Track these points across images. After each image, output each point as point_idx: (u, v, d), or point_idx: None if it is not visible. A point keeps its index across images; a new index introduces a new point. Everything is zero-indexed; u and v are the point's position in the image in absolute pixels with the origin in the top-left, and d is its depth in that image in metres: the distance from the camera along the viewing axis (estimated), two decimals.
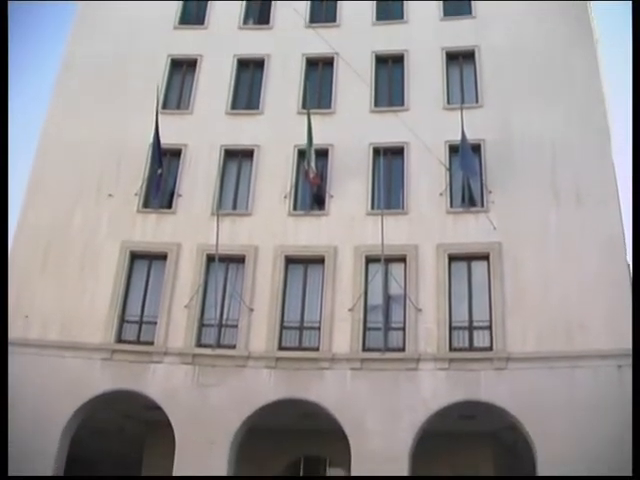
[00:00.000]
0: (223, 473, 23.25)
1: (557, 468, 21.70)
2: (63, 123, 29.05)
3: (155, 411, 24.51)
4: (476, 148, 26.45)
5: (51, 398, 24.08)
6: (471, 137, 25.75)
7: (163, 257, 26.28)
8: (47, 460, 23.58)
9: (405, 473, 22.70)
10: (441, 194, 26.03)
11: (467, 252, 25.11)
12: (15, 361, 24.64)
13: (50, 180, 27.94)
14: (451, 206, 25.98)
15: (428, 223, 25.65)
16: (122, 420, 28.09)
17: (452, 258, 25.12)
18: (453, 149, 26.56)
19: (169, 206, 27.30)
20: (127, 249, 26.48)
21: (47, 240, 26.82)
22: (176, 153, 28.15)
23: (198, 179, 27.48)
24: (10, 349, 24.70)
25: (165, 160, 27.43)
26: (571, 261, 24.18)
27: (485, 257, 24.97)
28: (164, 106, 29.10)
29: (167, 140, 27.10)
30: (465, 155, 25.36)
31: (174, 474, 23.21)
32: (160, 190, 27.21)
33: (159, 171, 26.99)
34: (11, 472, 22.57)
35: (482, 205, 25.84)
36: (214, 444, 23.31)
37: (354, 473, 22.91)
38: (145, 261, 26.64)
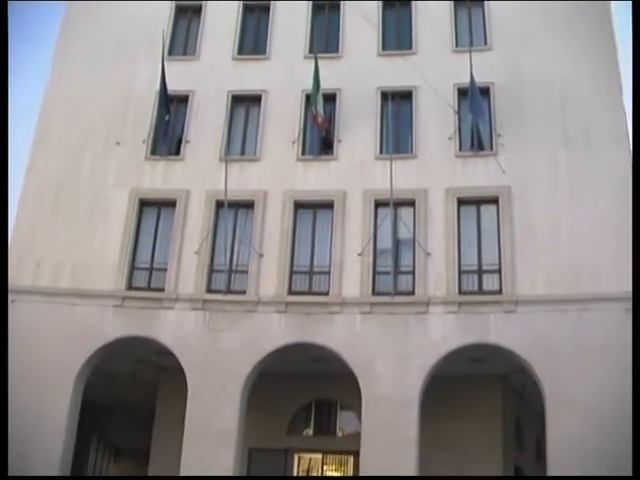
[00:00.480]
0: (235, 418, 23.51)
1: (566, 410, 21.90)
2: (68, 72, 28.86)
3: (167, 356, 24.76)
4: (485, 91, 26.24)
5: (63, 346, 24.30)
6: (480, 80, 25.47)
7: (172, 204, 26.29)
8: (62, 407, 23.89)
9: (415, 416, 22.93)
10: (450, 138, 25.90)
11: (476, 196, 25.04)
12: (26, 310, 24.96)
13: (57, 129, 27.87)
14: (460, 150, 25.85)
15: (437, 167, 25.56)
16: (134, 366, 28.34)
17: (461, 202, 25.07)
18: (462, 92, 26.34)
19: (177, 153, 27.24)
20: (136, 196, 26.49)
21: (56, 189, 26.84)
22: (183, 99, 27.99)
23: (206, 125, 27.36)
24: (20, 297, 25.11)
25: (172, 107, 27.26)
26: (580, 204, 24.12)
27: (494, 201, 24.90)
28: (170, 52, 28.88)
29: (174, 87, 26.96)
30: (474, 98, 25.13)
31: (187, 418, 23.47)
32: (168, 137, 27.16)
33: (166, 118, 26.89)
34: (27, 425, 22.99)
35: (491, 148, 25.70)
36: (226, 388, 23.56)
37: (365, 416, 23.15)
38: (154, 208, 26.67)
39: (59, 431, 23.72)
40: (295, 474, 28.68)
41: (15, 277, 25.42)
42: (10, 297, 24.92)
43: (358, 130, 26.46)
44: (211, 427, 23.18)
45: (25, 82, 64.09)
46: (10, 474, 22.39)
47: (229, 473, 23.01)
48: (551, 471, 22.01)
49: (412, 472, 22.43)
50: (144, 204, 26.63)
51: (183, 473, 22.97)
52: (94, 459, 37.86)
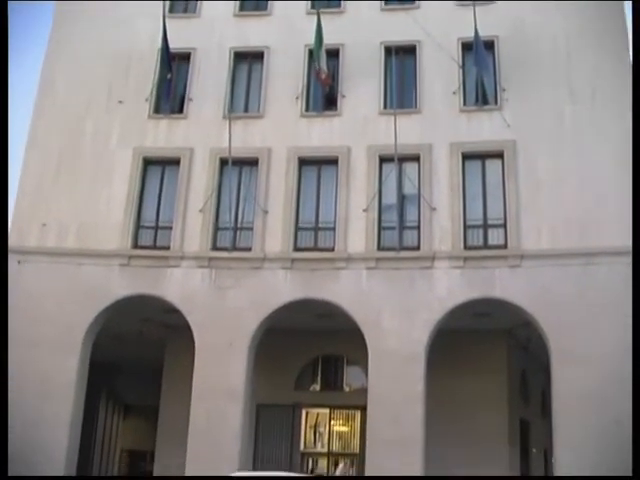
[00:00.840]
0: (242, 374, 23.70)
1: (571, 363, 22.04)
2: (69, 32, 28.59)
3: (174, 314, 24.88)
4: (489, 45, 25.94)
5: (70, 306, 24.45)
6: (484, 34, 25.16)
7: (176, 162, 26.22)
8: (70, 366, 24.11)
9: (421, 371, 23.09)
10: (454, 92, 25.71)
11: (481, 150, 24.93)
12: (32, 270, 25.08)
13: (59, 90, 27.70)
14: (464, 104, 25.70)
15: (441, 122, 25.41)
16: (142, 324, 28.50)
17: (466, 157, 24.97)
18: (466, 47, 26.08)
19: (180, 111, 27.10)
20: (140, 155, 26.41)
21: (59, 150, 26.77)
22: (185, 57, 27.78)
23: (208, 83, 27.18)
24: (26, 258, 25.21)
25: (174, 65, 27.05)
26: (586, 159, 24.01)
27: (499, 155, 24.80)
28: (171, 10, 28.59)
29: (175, 45, 26.66)
30: (478, 52, 24.90)
31: (194, 375, 23.66)
32: (170, 95, 26.99)
33: (169, 76, 26.71)
34: (37, 385, 23.23)
35: (496, 103, 25.51)
36: (233, 345, 23.72)
37: (371, 371, 23.31)
38: (158, 167, 26.61)
39: (69, 390, 23.97)
40: (303, 429, 28.99)
41: (21, 238, 25.56)
42: (16, 258, 25.09)
43: (362, 86, 26.28)
44: (219, 384, 23.37)
45: (25, 46, 63.71)
46: (22, 439, 22.75)
47: (237, 429, 23.24)
48: (556, 424, 22.22)
49: (418, 426, 22.64)
50: (148, 163, 26.56)
51: (191, 429, 23.23)
52: (104, 417, 38.25)
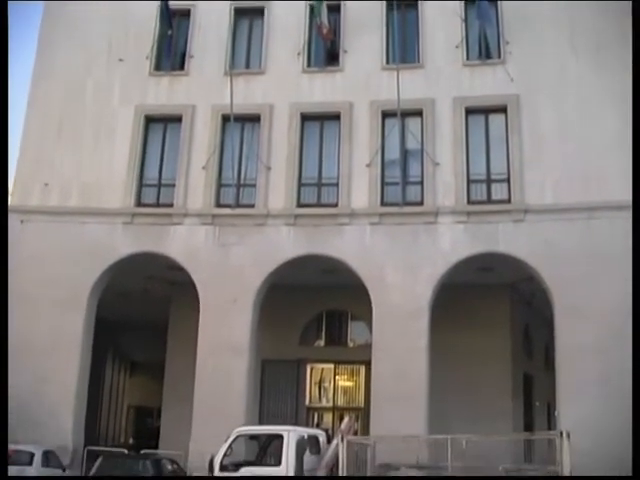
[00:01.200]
0: (247, 330, 23.89)
1: (574, 317, 22.15)
2: None
3: (178, 272, 24.99)
4: None
5: (75, 264, 24.55)
6: None
7: (178, 119, 26.13)
8: (76, 324, 24.32)
9: (425, 326, 23.25)
10: (457, 46, 25.49)
11: (484, 105, 24.82)
12: (36, 230, 25.15)
13: (58, 51, 27.42)
14: (467, 58, 25.51)
15: (444, 76, 25.24)
16: (146, 282, 28.64)
17: (469, 111, 24.85)
18: (469, 0, 25.81)
19: (181, 68, 26.93)
20: (141, 113, 26.31)
21: (60, 109, 26.65)
22: (185, 13, 27.53)
23: (209, 39, 26.96)
24: (30, 218, 25.24)
25: (174, 21, 26.91)
26: (589, 113, 23.87)
27: (502, 109, 24.68)
28: None
29: (175, 0, 26.46)
30: (481, 5, 24.67)
31: (199, 332, 23.81)
32: (171, 52, 26.87)
33: (169, 33, 26.57)
34: (44, 343, 23.40)
35: (499, 57, 25.32)
36: (237, 301, 23.84)
37: (375, 326, 23.46)
38: (160, 124, 26.53)
39: (75, 347, 24.18)
40: (308, 384, 29.28)
41: (23, 198, 25.59)
42: (19, 217, 25.13)
43: (364, 40, 26.06)
44: (224, 340, 23.55)
45: (24, 6, 63.01)
46: (30, 394, 22.98)
47: (243, 384, 23.47)
48: (560, 377, 22.38)
49: (422, 381, 22.82)
50: (150, 120, 26.47)
51: (197, 385, 23.44)
52: (110, 374, 38.60)
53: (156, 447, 26.54)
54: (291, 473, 13.52)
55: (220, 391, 23.14)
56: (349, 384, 29.66)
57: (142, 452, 24.23)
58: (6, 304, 20.39)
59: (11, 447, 19.38)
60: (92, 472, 18.91)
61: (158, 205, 25.53)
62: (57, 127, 26.44)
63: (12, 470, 18.46)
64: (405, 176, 24.45)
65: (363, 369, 28.12)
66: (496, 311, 27.40)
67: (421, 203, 24.17)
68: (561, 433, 13.13)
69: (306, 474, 13.70)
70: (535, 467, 15.77)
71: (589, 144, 23.54)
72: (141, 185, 25.86)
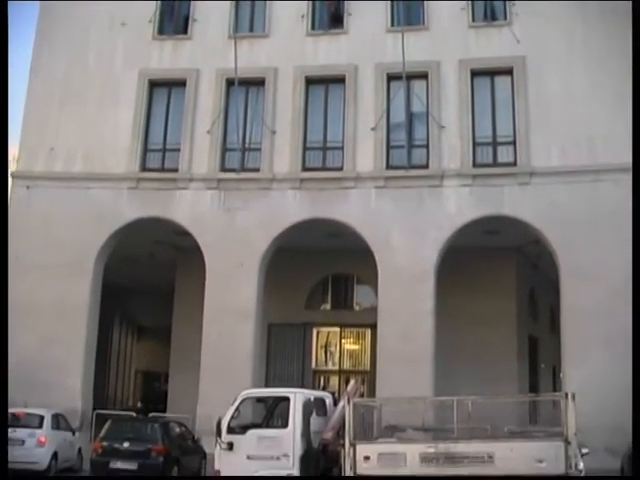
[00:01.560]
0: (253, 294, 24.00)
1: (580, 279, 22.22)
2: None
3: (184, 236, 25.06)
4: None
5: (81, 230, 24.62)
6: None
7: (182, 84, 25.98)
8: (83, 289, 24.48)
9: (431, 289, 23.31)
10: (463, 8, 25.23)
11: (490, 67, 24.64)
12: (42, 195, 25.18)
13: (61, 16, 27.19)
14: (473, 20, 25.26)
15: (450, 38, 25.01)
16: (152, 247, 28.72)
17: (475, 74, 24.67)
18: None
19: (185, 32, 26.72)
20: (145, 77, 26.18)
21: (63, 75, 26.51)
22: None
23: (212, 2, 26.58)
24: (35, 183, 25.26)
25: None
26: (596, 76, 23.66)
27: (508, 72, 24.50)
28: None
29: None
30: None
31: (206, 296, 23.93)
32: (174, 16, 26.68)
33: None
34: (51, 309, 23.52)
35: (505, 18, 25.07)
36: (243, 266, 23.89)
37: (381, 289, 23.54)
38: (164, 89, 26.42)
39: (82, 311, 24.35)
40: (314, 347, 29.45)
41: (28, 164, 25.57)
42: (25, 183, 25.16)
43: (368, 3, 25.76)
44: (230, 304, 23.66)
45: None
46: (39, 358, 23.17)
47: (250, 348, 23.64)
48: (565, 339, 22.47)
49: (429, 344, 22.95)
50: (154, 85, 26.35)
51: (204, 349, 23.60)
52: (118, 338, 38.85)
53: (164, 411, 26.80)
54: (298, 435, 13.63)
55: (226, 355, 23.31)
56: (355, 347, 29.83)
57: (150, 415, 24.45)
58: (6, 271, 20.48)
59: (21, 410, 19.64)
60: (101, 435, 19.09)
61: (163, 170, 25.52)
62: (61, 93, 26.33)
63: (23, 433, 18.73)
64: (410, 139, 24.36)
65: (369, 332, 28.27)
66: (502, 274, 27.44)
67: (426, 166, 24.11)
68: (566, 394, 13.19)
69: (312, 436, 13.82)
70: (540, 428, 15.85)
71: (595, 106, 23.38)
72: (146, 150, 25.83)
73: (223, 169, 25.07)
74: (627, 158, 21.87)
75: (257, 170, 24.84)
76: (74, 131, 25.80)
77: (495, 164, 24.01)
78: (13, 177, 25.12)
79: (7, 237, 21.04)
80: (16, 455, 17.88)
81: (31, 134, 25.90)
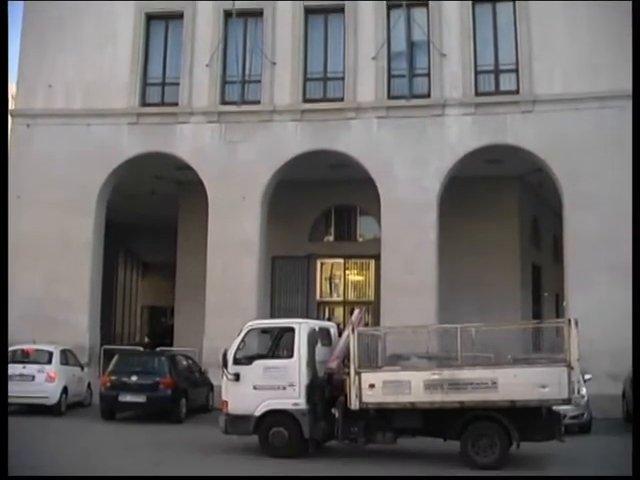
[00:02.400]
0: (255, 227, 24.09)
1: (583, 208, 22.22)
2: None
3: (186, 171, 24.99)
4: None
5: (81, 166, 24.57)
6: None
7: (179, 16, 25.56)
8: (86, 227, 24.61)
9: (433, 219, 23.33)
10: None
11: None
12: (42, 133, 25.06)
13: None
14: None
15: None
16: (154, 183, 28.66)
17: (476, 0, 24.17)
18: None
19: None
20: (141, 10, 25.73)
21: (59, 10, 25.89)
22: None
23: None
24: (35, 121, 25.11)
25: None
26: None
27: None
28: None
29: None
30: None
31: (209, 230, 24.00)
32: None
33: None
34: (54, 248, 23.59)
35: None
36: (246, 199, 23.88)
37: (384, 220, 23.57)
38: (161, 22, 26.05)
39: (86, 248, 24.48)
40: (318, 279, 29.63)
41: (27, 101, 25.37)
42: (25, 121, 25.01)
43: None
44: (233, 237, 23.74)
45: None
46: (44, 295, 23.35)
47: (254, 280, 23.80)
48: (568, 267, 22.56)
49: (432, 274, 23.07)
50: (151, 18, 25.94)
51: (209, 283, 23.76)
52: (123, 275, 39.05)
53: (171, 345, 27.07)
54: (303, 365, 13.74)
55: (231, 288, 23.47)
56: (359, 278, 29.98)
57: (157, 349, 24.72)
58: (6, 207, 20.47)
59: (30, 347, 19.88)
60: (109, 369, 19.34)
61: (163, 104, 25.32)
62: (57, 28, 25.90)
63: (32, 369, 19.04)
64: (412, 68, 24.03)
65: (373, 263, 28.39)
66: (505, 203, 27.42)
67: (428, 95, 23.87)
68: (569, 321, 13.23)
69: (318, 366, 13.94)
70: (543, 355, 15.99)
71: (600, 31, 22.97)
72: (145, 84, 25.58)
73: (223, 102, 24.86)
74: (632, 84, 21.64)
75: (257, 102, 24.62)
76: (72, 67, 25.52)
77: (497, 92, 23.76)
78: (12, 115, 24.93)
79: (7, 175, 20.98)
80: (27, 390, 18.28)
81: (29, 71, 25.63)
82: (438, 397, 12.99)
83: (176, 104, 24.98)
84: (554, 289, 29.64)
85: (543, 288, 30.70)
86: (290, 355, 14.21)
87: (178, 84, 25.13)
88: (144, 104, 25.31)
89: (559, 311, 28.32)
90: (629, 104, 21.45)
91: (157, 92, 25.56)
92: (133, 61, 25.43)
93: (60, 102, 25.37)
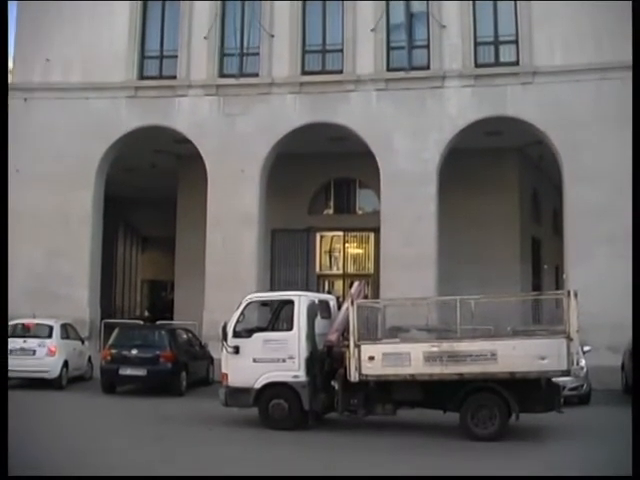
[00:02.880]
0: (255, 200, 24.09)
1: (583, 181, 22.17)
2: None
3: (185, 145, 24.94)
4: None
5: (80, 140, 24.52)
6: None
7: None
8: (85, 201, 24.62)
9: (433, 191, 23.32)
10: None
11: None
12: (39, 106, 24.97)
13: None
14: None
15: None
16: (153, 157, 28.61)
17: None
18: None
19: None
20: None
21: None
22: None
23: None
24: (32, 95, 25.00)
25: None
26: None
27: None
28: None
29: None
30: None
31: (208, 204, 24.01)
32: None
33: None
34: (53, 222, 23.56)
35: None
36: (244, 172, 23.83)
37: (383, 193, 23.54)
38: None
39: (85, 223, 24.53)
40: (318, 252, 29.67)
41: (25, 75, 25.22)
42: (22, 95, 24.84)
43: None
44: (233, 210, 23.75)
45: None
46: (44, 270, 23.36)
47: (253, 253, 23.85)
48: (568, 240, 22.56)
49: (431, 246, 23.10)
50: None
51: (209, 256, 23.82)
52: (122, 249, 39.06)
53: (171, 319, 27.09)
54: (303, 337, 13.75)
55: (231, 261, 23.51)
56: (359, 251, 29.99)
57: (157, 323, 24.77)
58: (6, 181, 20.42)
59: (31, 321, 19.91)
60: (109, 342, 19.37)
61: (161, 77, 25.23)
62: (54, 1, 25.52)
63: (33, 343, 19.04)
64: (411, 40, 23.87)
65: (372, 236, 28.36)
66: (504, 176, 27.35)
67: (427, 67, 23.75)
68: (568, 292, 13.23)
69: (317, 338, 13.96)
70: (543, 327, 15.99)
71: (600, 2, 22.54)
72: (143, 57, 25.47)
73: (222, 75, 24.75)
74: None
75: (256, 75, 24.48)
76: (69, 41, 25.36)
77: (497, 64, 23.62)
78: (9, 89, 24.73)
79: (7, 150, 20.91)
80: (28, 364, 18.32)
81: (26, 45, 25.47)
82: (437, 369, 13.00)
83: (174, 77, 24.87)
84: (554, 262, 29.65)
85: (543, 261, 30.71)
86: (290, 328, 14.22)
87: (176, 57, 25.00)
88: (142, 77, 25.22)
89: (559, 284, 28.36)
90: (629, 76, 21.39)
91: (155, 65, 25.44)
92: (131, 34, 25.26)
93: (58, 76, 25.23)
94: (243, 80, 24.37)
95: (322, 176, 28.78)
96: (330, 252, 30.09)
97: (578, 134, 22.40)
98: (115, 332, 19.81)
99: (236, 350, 14.14)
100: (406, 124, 23.36)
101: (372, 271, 28.25)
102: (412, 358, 13.12)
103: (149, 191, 33.29)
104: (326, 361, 13.86)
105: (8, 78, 21.30)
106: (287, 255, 28.87)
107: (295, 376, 13.79)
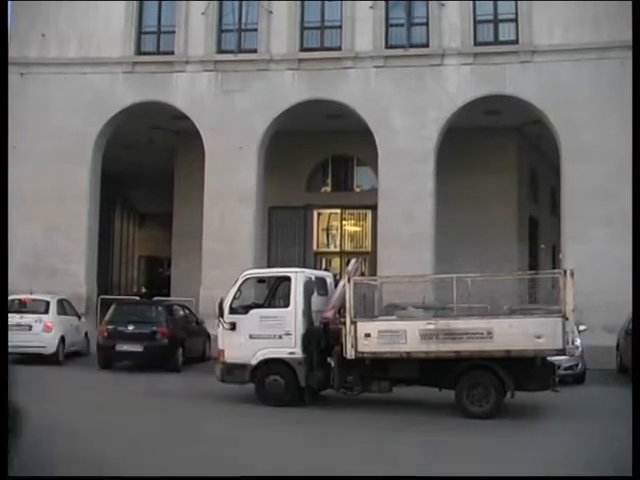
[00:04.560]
0: (252, 177, 24.03)
1: (581, 160, 22.18)
2: None
3: (182, 121, 24.86)
4: None
5: (77, 116, 24.44)
6: None
7: None
8: (82, 177, 24.58)
9: (431, 170, 23.30)
10: None
11: None
12: (36, 82, 24.81)
13: None
14: None
15: None
16: (151, 133, 28.48)
17: None
18: None
19: None
20: None
21: None
22: None
23: None
24: (29, 70, 24.85)
25: None
26: None
27: None
28: None
29: None
30: None
31: (205, 180, 23.97)
32: None
33: None
34: (50, 198, 23.52)
35: None
36: (242, 148, 23.77)
37: (381, 171, 23.53)
38: None
39: (82, 199, 24.50)
40: (315, 229, 29.69)
41: (21, 50, 24.99)
42: (19, 70, 24.66)
43: None
44: (230, 187, 23.73)
45: None
46: (42, 244, 23.33)
47: (251, 230, 23.86)
48: (565, 219, 22.58)
49: (429, 224, 23.11)
50: None
51: (206, 233, 23.85)
52: (120, 226, 39.00)
53: (168, 295, 27.18)
54: (299, 314, 13.78)
55: (228, 238, 23.51)
56: (356, 229, 29.99)
57: (154, 299, 24.79)
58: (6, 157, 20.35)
59: (27, 296, 19.89)
60: (106, 318, 19.39)
61: (159, 53, 25.10)
62: None
63: (30, 318, 19.03)
64: (410, 17, 23.76)
65: (370, 214, 28.34)
66: (503, 155, 27.36)
67: (426, 45, 23.65)
68: (565, 271, 13.25)
69: (314, 315, 13.98)
70: (539, 306, 16.02)
71: None
72: (140, 33, 25.29)
73: (220, 51, 24.63)
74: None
75: (254, 51, 24.37)
76: (66, 16, 25.21)
77: (496, 42, 23.54)
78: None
79: (7, 126, 20.88)
80: (24, 340, 18.23)
81: (21, 20, 25.19)
82: (434, 347, 13.02)
83: (172, 53, 24.76)
84: (551, 242, 29.69)
85: (540, 240, 30.74)
86: (286, 304, 14.23)
87: (174, 32, 24.87)
88: (139, 53, 25.08)
89: (555, 263, 28.42)
90: (629, 55, 21.33)
91: (153, 40, 25.30)
92: (128, 9, 25.09)
93: (54, 51, 25.12)
94: (241, 56, 24.27)
95: (320, 153, 28.76)
96: (327, 230, 30.11)
97: (577, 114, 22.37)
98: (112, 308, 19.81)
99: (232, 326, 14.15)
100: (404, 102, 23.31)
101: (369, 249, 28.24)
102: (408, 336, 13.14)
103: (147, 168, 33.18)
104: (322, 338, 13.86)
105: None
106: (284, 232, 28.89)
107: (291, 353, 13.81)
